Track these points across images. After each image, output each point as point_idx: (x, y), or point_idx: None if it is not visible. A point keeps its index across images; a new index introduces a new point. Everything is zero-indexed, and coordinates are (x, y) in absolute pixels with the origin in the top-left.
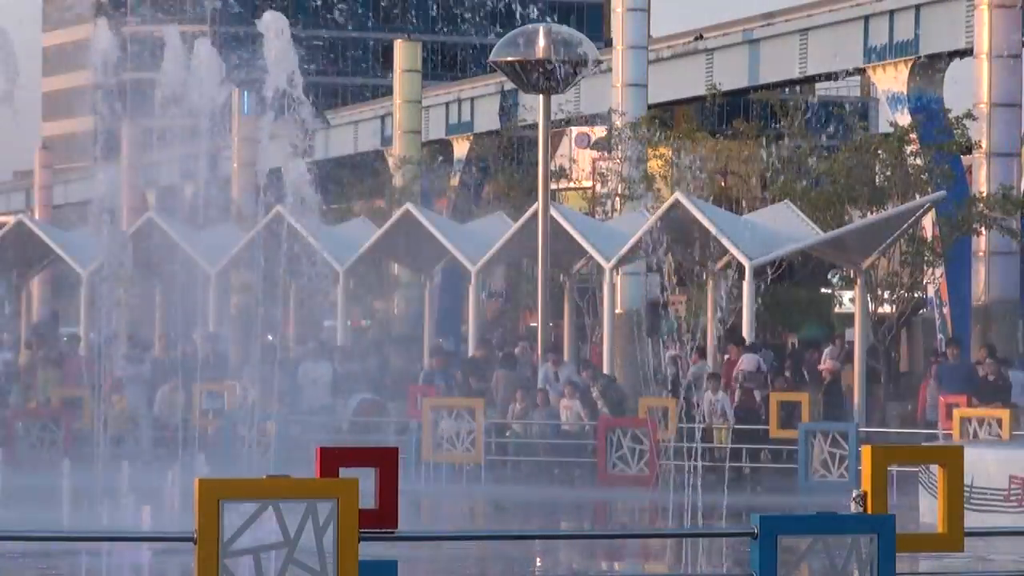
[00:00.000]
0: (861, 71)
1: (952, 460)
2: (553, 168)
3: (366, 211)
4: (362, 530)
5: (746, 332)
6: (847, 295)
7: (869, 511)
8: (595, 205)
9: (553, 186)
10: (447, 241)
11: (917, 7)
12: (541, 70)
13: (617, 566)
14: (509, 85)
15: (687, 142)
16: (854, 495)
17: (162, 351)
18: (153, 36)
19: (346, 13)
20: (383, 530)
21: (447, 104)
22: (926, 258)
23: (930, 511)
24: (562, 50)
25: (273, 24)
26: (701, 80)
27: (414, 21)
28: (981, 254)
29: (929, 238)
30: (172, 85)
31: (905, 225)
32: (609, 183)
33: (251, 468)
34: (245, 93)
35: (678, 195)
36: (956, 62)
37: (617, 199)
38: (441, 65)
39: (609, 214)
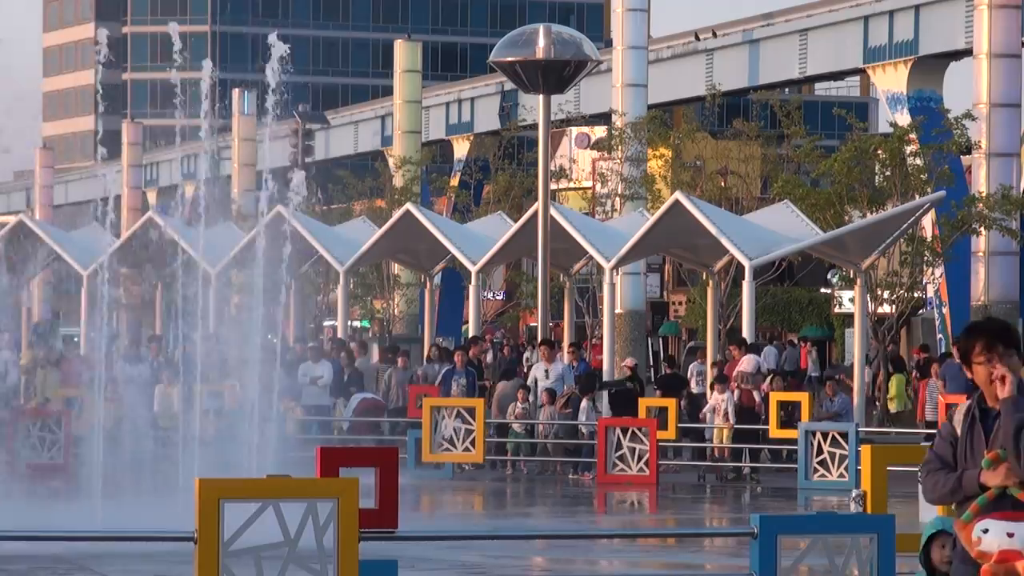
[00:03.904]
0: (861, 71)
1: None
2: (553, 168)
3: (366, 211)
4: (362, 530)
5: (746, 332)
6: (847, 295)
7: (869, 511)
8: (595, 205)
9: (553, 186)
10: (447, 241)
11: (917, 7)
12: (541, 70)
13: (617, 566)
14: (509, 85)
15: (687, 142)
16: (854, 495)
17: (157, 352)
18: (153, 35)
19: (346, 13)
20: (383, 530)
21: (447, 104)
22: (926, 258)
23: (930, 511)
24: (562, 50)
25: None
26: (701, 80)
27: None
28: (981, 254)
29: (929, 238)
30: (173, 85)
31: (905, 225)
32: (609, 183)
33: (251, 468)
34: (245, 93)
35: (678, 195)
36: (956, 62)
37: (617, 199)
38: (441, 65)
39: (609, 214)
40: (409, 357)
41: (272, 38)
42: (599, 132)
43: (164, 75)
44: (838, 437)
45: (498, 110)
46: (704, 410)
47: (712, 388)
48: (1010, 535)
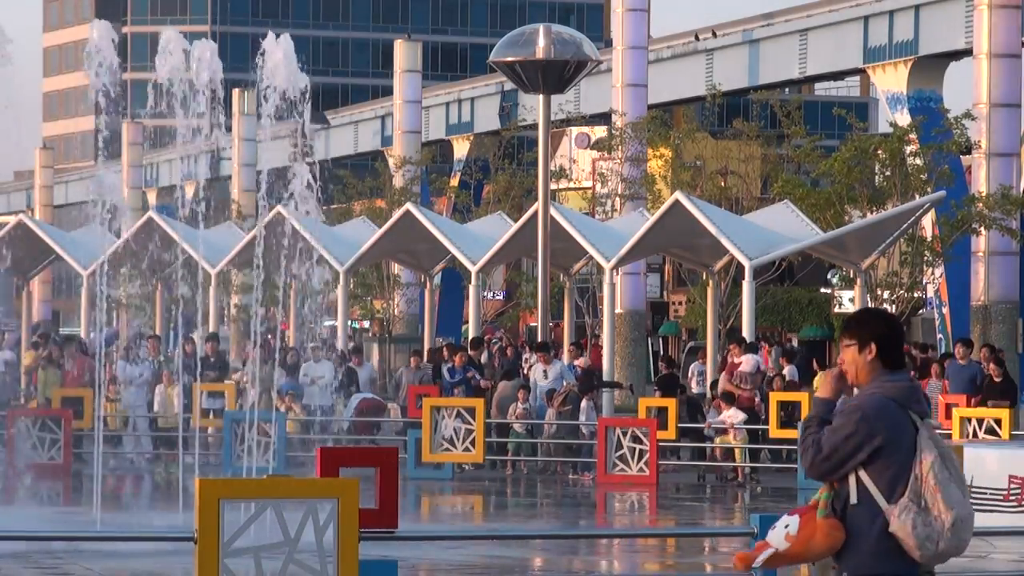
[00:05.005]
0: (861, 71)
1: None
2: (553, 168)
3: (366, 211)
4: (362, 530)
5: (746, 332)
6: (847, 295)
7: None
8: (595, 205)
9: (553, 186)
10: (447, 241)
11: (917, 7)
12: (541, 70)
13: (617, 566)
14: (509, 85)
15: (687, 142)
16: None
17: (156, 351)
18: (154, 35)
19: (346, 13)
20: (383, 530)
21: (447, 104)
22: (926, 258)
23: None
24: (562, 50)
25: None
26: (701, 80)
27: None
28: (981, 254)
29: (929, 238)
30: (172, 85)
31: (905, 225)
32: (609, 183)
33: (251, 468)
34: (245, 93)
35: (678, 195)
36: (956, 62)
37: (617, 199)
38: (441, 65)
39: (609, 214)
40: (422, 357)
41: (270, 40)
42: (599, 132)
43: (164, 75)
44: None
45: (498, 110)
46: (712, 425)
47: (717, 401)
48: (785, 527)
